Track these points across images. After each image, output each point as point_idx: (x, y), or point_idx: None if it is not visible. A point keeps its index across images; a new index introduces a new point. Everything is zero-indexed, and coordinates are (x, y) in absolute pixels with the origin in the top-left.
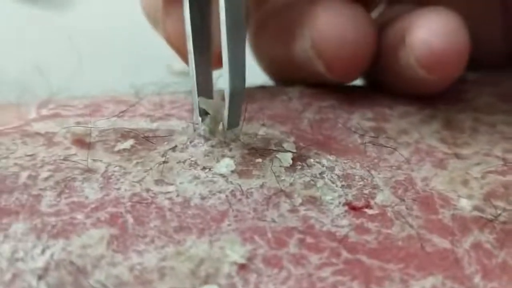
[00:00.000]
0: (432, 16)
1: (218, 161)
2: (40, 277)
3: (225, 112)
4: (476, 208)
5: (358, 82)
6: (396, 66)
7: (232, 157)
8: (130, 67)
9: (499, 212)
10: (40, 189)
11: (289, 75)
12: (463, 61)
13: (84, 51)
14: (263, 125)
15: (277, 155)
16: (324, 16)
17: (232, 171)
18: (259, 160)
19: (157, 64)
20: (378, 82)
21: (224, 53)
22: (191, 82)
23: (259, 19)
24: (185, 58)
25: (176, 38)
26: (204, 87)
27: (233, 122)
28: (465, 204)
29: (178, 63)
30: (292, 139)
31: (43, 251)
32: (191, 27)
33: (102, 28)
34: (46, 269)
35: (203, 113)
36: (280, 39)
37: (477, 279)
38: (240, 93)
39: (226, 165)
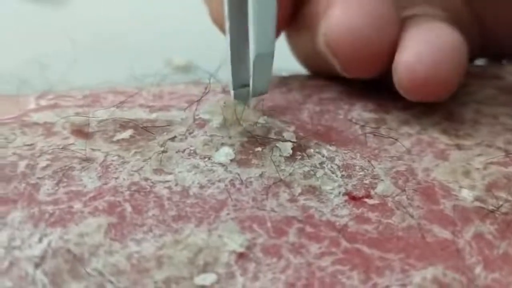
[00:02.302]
0: (424, 36)
1: (217, 150)
2: (37, 265)
3: (251, 78)
4: (477, 198)
5: None
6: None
7: (231, 146)
8: (130, 61)
9: (500, 203)
10: (38, 178)
11: (322, 69)
12: (449, 88)
13: (83, 45)
14: (263, 114)
15: (277, 145)
16: (338, 8)
17: (231, 160)
18: (259, 149)
19: (156, 59)
20: None
21: (250, 15)
22: (227, 61)
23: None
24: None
25: (217, 17)
26: (238, 62)
27: (258, 87)
28: (466, 194)
29: (177, 58)
30: (292, 129)
31: (40, 239)
32: (228, 2)
33: (100, 23)
34: (43, 257)
35: (238, 87)
36: (307, 32)
37: (478, 269)
38: (266, 58)
39: (225, 154)
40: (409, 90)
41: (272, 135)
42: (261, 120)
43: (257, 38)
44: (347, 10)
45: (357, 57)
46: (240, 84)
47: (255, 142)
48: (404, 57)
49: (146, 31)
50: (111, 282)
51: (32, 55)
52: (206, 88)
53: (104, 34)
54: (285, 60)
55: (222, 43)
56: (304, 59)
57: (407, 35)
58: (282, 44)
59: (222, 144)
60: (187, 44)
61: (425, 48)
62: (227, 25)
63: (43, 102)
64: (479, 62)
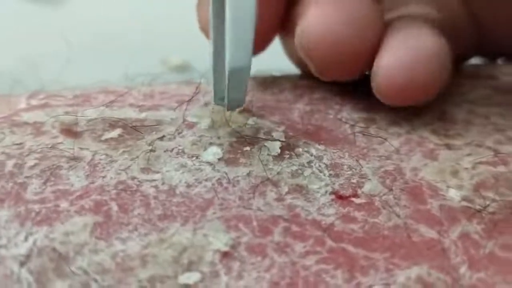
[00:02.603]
0: (402, 40)
1: (205, 149)
2: (22, 264)
3: (226, 91)
4: (465, 198)
5: None
6: None
7: (220, 145)
8: (126, 61)
9: (488, 202)
10: (26, 177)
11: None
12: (429, 92)
13: (78, 45)
14: (253, 115)
15: (265, 144)
16: (315, 7)
17: (219, 159)
18: (247, 148)
19: (153, 59)
20: None
21: (226, 25)
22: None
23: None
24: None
25: (204, 26)
26: (222, 71)
27: (234, 102)
28: (454, 194)
29: (174, 58)
30: (282, 128)
31: (26, 238)
32: (212, 12)
33: (96, 23)
34: (28, 256)
35: (219, 99)
36: (290, 33)
37: (463, 269)
38: (241, 72)
39: (213, 153)
40: (386, 95)
41: (261, 135)
42: (250, 121)
43: (232, 51)
44: (324, 10)
45: (333, 59)
46: (221, 96)
47: (243, 141)
48: (382, 62)
49: (142, 31)
50: (96, 281)
51: (26, 54)
52: (196, 88)
53: (100, 34)
54: (277, 59)
55: None
56: (296, 60)
57: (388, 39)
58: (273, 44)
59: (211, 144)
60: (184, 44)
61: (403, 53)
62: (211, 34)
63: (34, 102)
64: (475, 61)
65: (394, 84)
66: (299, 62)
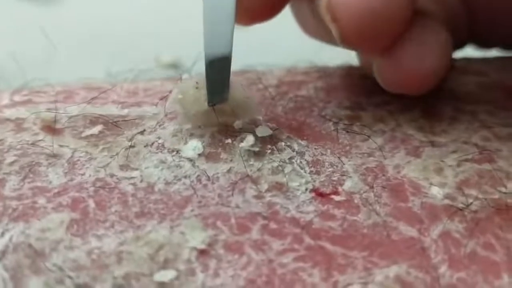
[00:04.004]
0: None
1: (186, 142)
2: None
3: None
4: (447, 196)
5: None
6: None
7: (201, 137)
8: (118, 59)
9: (470, 201)
10: (5, 173)
11: (321, 38)
12: (432, 81)
13: (66, 44)
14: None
15: (247, 137)
16: None
17: (200, 155)
18: (229, 140)
19: (145, 56)
20: None
21: (204, 8)
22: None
23: None
24: None
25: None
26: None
27: (214, 95)
28: (436, 192)
29: (166, 56)
30: (265, 123)
31: (2, 234)
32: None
33: (88, 21)
34: (4, 252)
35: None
36: None
37: (443, 268)
38: (221, 61)
39: (193, 147)
40: (389, 86)
41: (245, 128)
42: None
43: (210, 38)
44: None
45: (360, 26)
46: (216, 99)
47: (225, 133)
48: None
49: (133, 29)
50: (70, 278)
51: (15, 51)
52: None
53: (87, 32)
54: (263, 54)
55: None
56: (309, 28)
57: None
58: (260, 39)
59: (191, 135)
60: (174, 42)
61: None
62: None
63: (17, 98)
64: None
65: (395, 78)
66: (312, 31)
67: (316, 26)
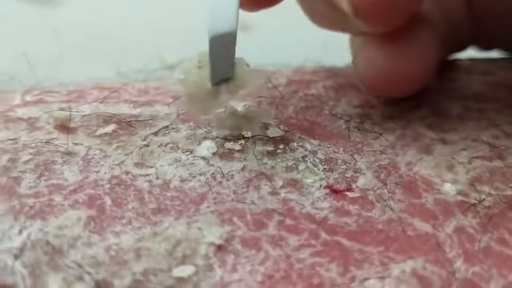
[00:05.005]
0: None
1: (199, 143)
2: (16, 257)
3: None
4: (460, 192)
5: None
6: None
7: (214, 139)
8: (122, 60)
9: (483, 197)
10: (20, 172)
11: (328, 24)
12: (410, 86)
13: (76, 44)
14: (248, 108)
15: (260, 138)
16: None
17: (214, 154)
18: (242, 142)
19: (147, 57)
20: None
21: None
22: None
23: None
24: None
25: None
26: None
27: (218, 73)
28: (449, 188)
29: (170, 57)
30: (276, 123)
31: (20, 232)
32: None
33: (94, 22)
34: (22, 249)
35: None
36: None
37: (458, 263)
38: (226, 38)
39: (207, 147)
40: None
41: (256, 130)
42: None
43: (214, 14)
44: None
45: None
46: (220, 78)
47: (238, 135)
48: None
49: (139, 29)
50: (89, 274)
51: (23, 52)
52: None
53: (95, 33)
54: (272, 55)
55: None
56: (312, 14)
57: None
58: (268, 39)
59: (205, 138)
60: (178, 43)
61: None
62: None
63: (28, 98)
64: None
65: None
66: (321, 19)
67: (325, 12)
